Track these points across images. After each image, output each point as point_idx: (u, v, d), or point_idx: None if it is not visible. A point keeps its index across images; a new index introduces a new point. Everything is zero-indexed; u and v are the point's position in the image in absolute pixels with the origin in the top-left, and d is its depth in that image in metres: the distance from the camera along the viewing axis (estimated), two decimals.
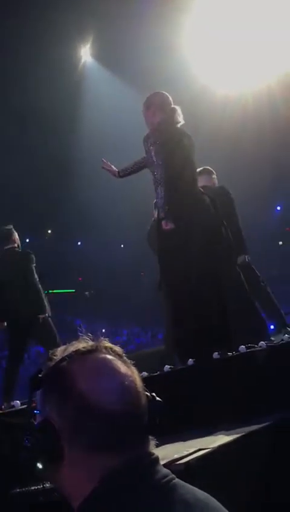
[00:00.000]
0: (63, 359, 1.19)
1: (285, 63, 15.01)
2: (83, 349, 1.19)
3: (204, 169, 5.88)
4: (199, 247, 4.53)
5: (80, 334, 1.24)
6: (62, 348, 1.23)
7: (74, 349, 1.20)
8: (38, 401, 1.21)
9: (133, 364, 1.22)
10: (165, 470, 1.17)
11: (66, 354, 1.20)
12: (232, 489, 2.27)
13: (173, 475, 1.17)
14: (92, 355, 1.18)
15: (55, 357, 1.21)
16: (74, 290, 24.16)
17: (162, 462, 1.18)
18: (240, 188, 9.67)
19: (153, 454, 1.17)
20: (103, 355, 1.19)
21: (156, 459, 1.17)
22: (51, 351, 1.24)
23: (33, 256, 6.69)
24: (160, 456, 1.18)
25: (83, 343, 1.22)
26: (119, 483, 1.10)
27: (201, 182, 5.22)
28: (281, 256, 21.56)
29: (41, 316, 6.52)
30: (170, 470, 1.17)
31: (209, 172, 6.11)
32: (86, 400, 1.12)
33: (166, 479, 1.14)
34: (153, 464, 1.15)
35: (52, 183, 19.02)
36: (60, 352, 1.22)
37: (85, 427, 1.11)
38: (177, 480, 1.16)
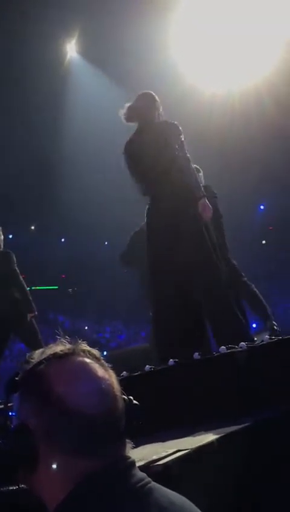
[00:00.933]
0: (40, 362, 1.19)
1: (272, 62, 15.08)
2: (60, 352, 1.19)
3: None
4: (188, 244, 4.53)
5: (58, 336, 1.24)
6: (39, 351, 1.23)
7: (52, 353, 1.20)
8: (15, 404, 1.21)
9: (111, 367, 1.23)
10: (141, 474, 1.17)
11: (43, 357, 1.20)
12: (210, 491, 2.28)
13: (149, 479, 1.17)
14: (70, 359, 1.18)
15: (32, 360, 1.21)
16: (57, 287, 24.09)
17: (140, 463, 1.18)
18: (225, 186, 9.71)
19: (129, 458, 1.17)
20: (81, 359, 1.19)
21: (132, 463, 1.17)
22: (28, 354, 1.24)
23: (13, 255, 6.68)
24: (138, 457, 1.18)
25: (60, 346, 1.21)
26: (95, 487, 1.10)
27: None
28: (264, 255, 21.68)
29: (30, 315, 6.55)
30: (149, 471, 1.18)
31: (197, 171, 6.11)
32: (63, 403, 1.12)
33: (141, 483, 1.14)
34: (129, 468, 1.16)
35: (36, 179, 18.95)
36: (37, 355, 1.22)
37: (62, 430, 1.11)
38: (153, 483, 1.17)
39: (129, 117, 4.90)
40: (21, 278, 6.66)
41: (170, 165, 4.64)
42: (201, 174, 6.22)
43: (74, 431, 1.11)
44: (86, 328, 22.14)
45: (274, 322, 5.84)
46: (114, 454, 1.15)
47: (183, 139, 4.70)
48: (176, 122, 4.79)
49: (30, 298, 6.69)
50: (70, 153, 18.03)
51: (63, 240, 24.64)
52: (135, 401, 1.26)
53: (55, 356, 1.18)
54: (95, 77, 17.16)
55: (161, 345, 4.60)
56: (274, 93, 15.81)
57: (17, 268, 6.64)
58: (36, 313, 6.70)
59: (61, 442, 1.11)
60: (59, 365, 1.17)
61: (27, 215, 20.55)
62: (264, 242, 23.68)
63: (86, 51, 16.74)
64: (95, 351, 1.22)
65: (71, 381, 1.15)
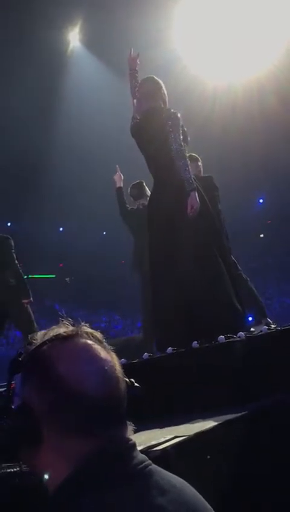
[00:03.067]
0: (43, 343, 1.19)
1: (274, 55, 15.08)
2: (63, 333, 1.20)
3: (190, 156, 5.85)
4: (192, 233, 4.53)
5: (61, 318, 1.25)
6: (42, 332, 1.24)
7: (55, 334, 1.20)
8: (18, 385, 1.21)
9: (113, 349, 1.23)
10: (142, 456, 1.18)
11: (46, 338, 1.20)
12: (208, 477, 2.30)
13: (150, 461, 1.18)
14: (73, 340, 1.19)
15: (35, 341, 1.21)
16: (54, 276, 24.11)
17: (139, 448, 1.19)
18: (225, 179, 9.69)
19: (131, 440, 1.18)
20: (84, 340, 1.19)
21: (133, 445, 1.18)
22: (30, 335, 1.24)
23: (11, 241, 6.68)
24: (137, 442, 1.19)
25: (63, 328, 1.22)
26: (96, 467, 1.11)
27: None
28: (262, 248, 21.72)
29: (25, 301, 6.55)
30: (147, 455, 1.18)
31: (195, 159, 6.08)
32: (66, 383, 1.12)
33: (142, 465, 1.15)
34: (130, 450, 1.16)
35: (35, 168, 18.91)
36: (40, 336, 1.22)
37: (64, 410, 1.12)
38: (153, 466, 1.17)
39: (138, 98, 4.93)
40: (17, 264, 6.66)
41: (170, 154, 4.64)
42: (200, 163, 6.20)
43: (76, 411, 1.12)
44: (79, 319, 22.12)
45: (269, 319, 5.82)
46: (115, 435, 1.16)
47: (181, 130, 4.69)
48: (176, 112, 4.78)
49: (26, 284, 6.69)
50: (69, 141, 18.02)
51: (61, 229, 24.63)
52: (136, 384, 1.26)
53: (58, 337, 1.19)
54: (96, 67, 17.11)
55: (160, 334, 4.61)
56: (276, 86, 15.81)
57: (14, 254, 6.63)
58: (32, 299, 6.69)
59: (63, 422, 1.12)
60: (62, 346, 1.18)
61: (26, 204, 20.50)
62: (262, 236, 23.70)
63: (88, 41, 16.67)
64: (98, 333, 1.23)
65: (74, 362, 1.15)
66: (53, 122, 18.01)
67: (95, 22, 15.40)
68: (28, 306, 6.67)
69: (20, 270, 6.72)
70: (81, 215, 20.95)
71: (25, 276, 7.03)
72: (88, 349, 1.18)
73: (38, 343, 1.20)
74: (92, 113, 17.06)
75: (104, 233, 23.19)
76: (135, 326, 19.28)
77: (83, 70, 17.03)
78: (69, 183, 19.25)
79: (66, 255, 23.21)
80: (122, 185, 6.65)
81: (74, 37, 16.81)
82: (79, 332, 1.21)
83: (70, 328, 1.22)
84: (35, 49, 15.34)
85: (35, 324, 6.58)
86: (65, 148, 18.21)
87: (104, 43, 15.54)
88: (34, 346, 1.20)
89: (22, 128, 17.13)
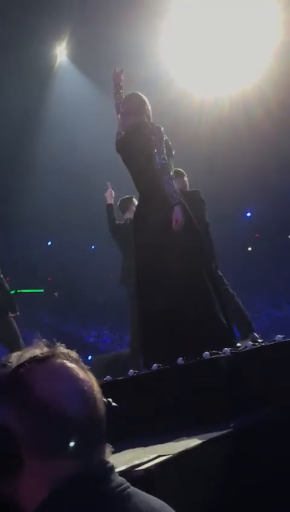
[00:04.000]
0: (20, 365, 1.18)
1: (259, 69, 15.22)
2: (40, 355, 1.18)
3: (175, 171, 5.87)
4: (178, 249, 4.54)
5: (36, 339, 1.24)
6: (16, 354, 1.22)
7: (31, 356, 1.19)
8: None
9: (89, 369, 1.22)
10: (120, 479, 1.16)
11: (22, 360, 1.18)
12: (192, 496, 2.28)
13: (128, 484, 1.16)
14: (50, 361, 1.18)
15: (10, 364, 1.20)
16: (42, 290, 24.01)
17: (122, 468, 1.18)
18: (212, 193, 9.72)
19: (109, 462, 1.17)
20: (60, 361, 1.18)
21: (112, 468, 1.17)
22: (4, 358, 1.22)
23: None
24: (120, 462, 1.18)
25: (38, 350, 1.21)
26: (74, 490, 1.09)
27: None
28: (250, 262, 21.76)
29: (12, 316, 6.53)
30: (130, 475, 1.17)
31: (181, 175, 6.10)
32: (45, 406, 1.11)
33: (121, 488, 1.14)
34: (108, 472, 1.15)
35: (21, 180, 18.92)
36: (15, 358, 1.21)
37: (43, 434, 1.11)
38: (132, 488, 1.16)
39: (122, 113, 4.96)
40: (3, 278, 6.64)
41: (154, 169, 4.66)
42: (186, 178, 6.22)
43: (56, 434, 1.11)
44: (66, 329, 22.08)
45: (256, 334, 5.81)
46: (94, 457, 1.14)
47: (164, 144, 4.71)
48: (159, 126, 4.81)
49: (12, 298, 6.68)
50: (56, 154, 18.04)
51: (49, 243, 24.57)
52: (114, 403, 1.26)
53: (35, 359, 1.18)
54: (83, 82, 17.16)
55: (147, 350, 4.60)
56: (262, 100, 15.93)
57: None
58: (18, 313, 6.67)
59: (44, 445, 1.11)
60: (39, 368, 1.16)
61: (13, 218, 20.46)
62: (250, 249, 23.75)
63: (75, 56, 16.72)
64: (74, 353, 1.22)
65: (53, 383, 1.14)
66: (37, 134, 18.05)
67: (82, 38, 15.47)
68: (14, 321, 6.65)
69: (6, 285, 6.70)
70: (70, 229, 20.91)
71: (12, 291, 7.00)
72: (66, 369, 1.17)
73: (14, 366, 1.19)
74: (77, 127, 17.11)
75: (93, 247, 23.17)
76: (123, 341, 19.21)
77: (68, 85, 17.09)
78: (56, 196, 19.26)
79: (54, 269, 23.16)
80: (112, 202, 6.77)
81: (61, 52, 16.86)
82: (55, 353, 1.20)
83: (46, 349, 1.21)
84: (22, 66, 15.41)
85: (21, 339, 6.55)
86: (52, 161, 18.23)
87: (90, 57, 15.61)
88: (10, 369, 1.19)
89: (6, 140, 17.17)
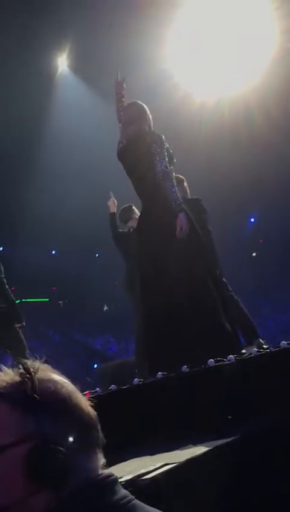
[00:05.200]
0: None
1: (260, 73, 15.26)
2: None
3: (175, 177, 5.86)
4: (182, 256, 4.54)
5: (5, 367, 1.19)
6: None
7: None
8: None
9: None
10: (124, 491, 1.16)
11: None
12: (198, 504, 2.27)
13: (132, 496, 1.16)
14: (43, 374, 1.17)
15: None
16: (47, 299, 24.01)
17: (129, 477, 1.18)
18: (215, 199, 9.74)
19: (112, 475, 1.16)
20: (48, 373, 1.17)
21: (116, 480, 1.16)
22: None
23: (1, 266, 6.69)
24: (127, 471, 1.18)
25: (7, 375, 1.16)
26: (79, 502, 1.09)
27: None
28: (254, 268, 21.71)
29: (18, 325, 6.52)
30: (137, 484, 1.17)
31: (181, 181, 6.10)
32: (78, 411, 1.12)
33: (125, 500, 1.13)
34: (112, 484, 1.15)
35: (25, 191, 18.97)
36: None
37: (85, 433, 1.12)
38: (136, 501, 1.15)
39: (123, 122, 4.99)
40: (8, 288, 6.64)
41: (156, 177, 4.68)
42: (185, 184, 6.22)
43: (84, 436, 1.12)
44: (77, 340, 22.09)
45: (261, 340, 5.80)
46: (96, 469, 1.14)
47: (166, 152, 4.73)
48: (160, 134, 4.83)
49: (18, 308, 6.67)
50: (61, 161, 18.09)
51: (53, 252, 24.59)
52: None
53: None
54: (84, 91, 17.22)
55: (151, 357, 4.59)
56: (263, 105, 15.96)
57: (4, 279, 6.62)
58: (24, 323, 6.66)
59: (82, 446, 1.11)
60: (46, 380, 1.15)
61: (17, 227, 20.49)
62: (254, 254, 23.72)
63: (77, 65, 16.77)
64: (46, 366, 1.19)
65: (67, 391, 1.14)
66: (39, 143, 18.13)
67: (83, 45, 15.52)
68: (20, 331, 6.64)
69: (11, 295, 6.70)
70: (74, 238, 20.91)
71: (17, 301, 7.00)
72: (58, 379, 1.17)
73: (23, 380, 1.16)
74: (79, 136, 17.16)
75: (97, 255, 23.17)
76: (129, 348, 19.18)
77: (70, 95, 17.15)
78: (59, 205, 19.30)
79: (59, 278, 23.15)
80: (115, 211, 6.85)
81: (62, 62, 16.92)
82: (34, 368, 1.16)
83: (20, 370, 1.15)
84: (24, 75, 15.46)
85: (27, 349, 6.53)
86: (54, 170, 18.27)
87: (91, 67, 15.66)
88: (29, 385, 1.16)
89: (9, 149, 17.23)
